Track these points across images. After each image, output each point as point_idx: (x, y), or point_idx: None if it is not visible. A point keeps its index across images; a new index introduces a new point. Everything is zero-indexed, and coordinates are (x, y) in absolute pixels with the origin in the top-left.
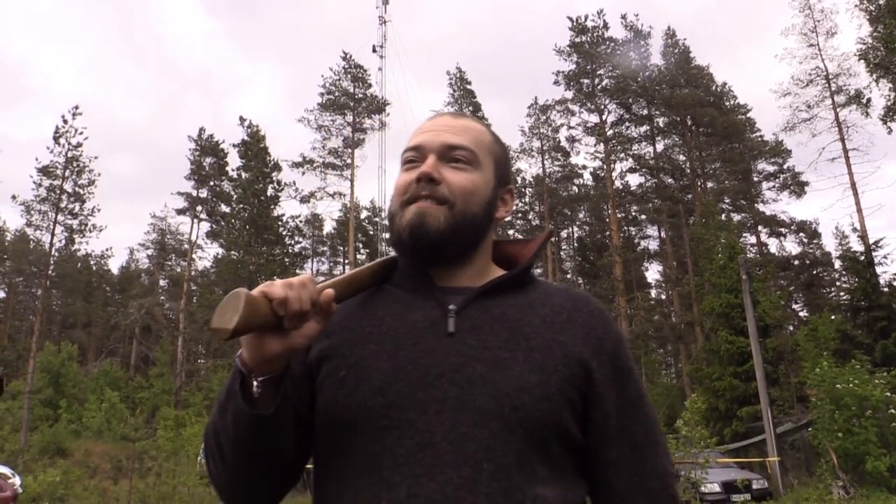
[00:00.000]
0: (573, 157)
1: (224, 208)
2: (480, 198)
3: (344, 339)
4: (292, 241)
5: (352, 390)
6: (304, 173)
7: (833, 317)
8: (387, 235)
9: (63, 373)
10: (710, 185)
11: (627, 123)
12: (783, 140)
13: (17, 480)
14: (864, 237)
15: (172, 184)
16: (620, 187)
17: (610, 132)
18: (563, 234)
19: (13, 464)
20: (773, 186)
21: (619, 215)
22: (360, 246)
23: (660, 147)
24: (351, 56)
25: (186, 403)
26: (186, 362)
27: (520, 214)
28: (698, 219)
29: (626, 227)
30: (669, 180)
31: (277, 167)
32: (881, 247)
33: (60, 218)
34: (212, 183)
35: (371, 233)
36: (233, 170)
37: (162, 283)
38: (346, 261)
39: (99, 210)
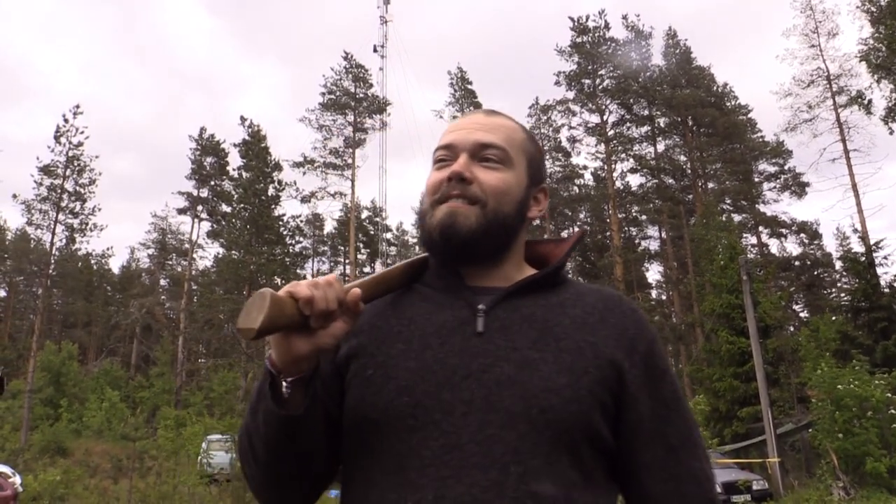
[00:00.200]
0: (574, 158)
1: (225, 208)
2: (512, 197)
3: (372, 337)
4: (293, 241)
5: (378, 389)
6: (304, 173)
7: (834, 318)
8: (386, 235)
9: (63, 372)
10: (710, 185)
11: (628, 124)
12: (784, 141)
13: (17, 479)
14: (864, 238)
15: (173, 183)
16: (621, 188)
17: (611, 132)
18: (564, 234)
19: (14, 463)
20: (774, 187)
21: (619, 216)
22: (361, 246)
23: (661, 147)
24: (352, 56)
25: (187, 403)
26: (187, 362)
27: None
28: (699, 219)
29: (626, 228)
30: (670, 181)
31: (278, 167)
32: (882, 248)
33: (61, 217)
34: (213, 182)
35: (372, 233)
36: (234, 169)
37: (163, 282)
38: (347, 261)
39: (100, 209)
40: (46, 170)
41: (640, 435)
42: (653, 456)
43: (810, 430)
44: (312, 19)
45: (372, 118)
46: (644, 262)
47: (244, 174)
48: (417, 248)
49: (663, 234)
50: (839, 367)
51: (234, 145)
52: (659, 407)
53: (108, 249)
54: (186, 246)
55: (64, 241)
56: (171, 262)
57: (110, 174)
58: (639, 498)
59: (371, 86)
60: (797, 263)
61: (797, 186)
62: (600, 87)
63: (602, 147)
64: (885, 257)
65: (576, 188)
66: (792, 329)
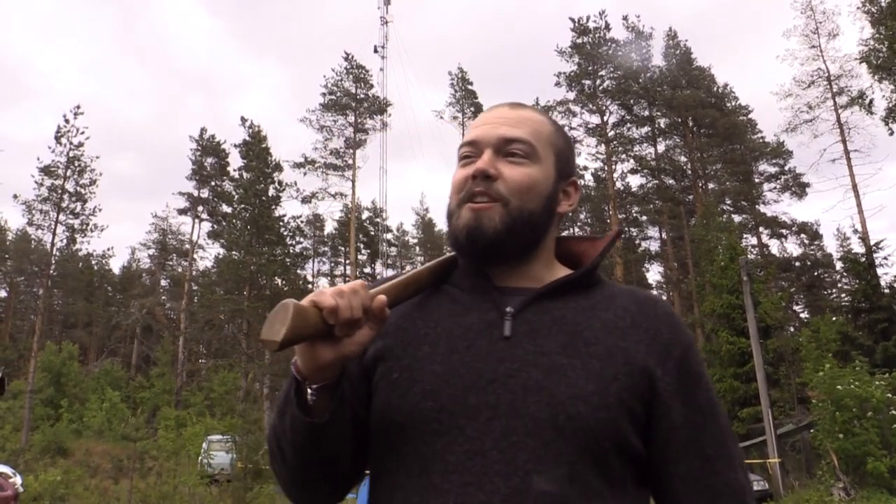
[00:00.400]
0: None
1: (225, 208)
2: (539, 193)
3: (398, 340)
4: (293, 242)
5: (404, 393)
6: (305, 174)
7: (834, 318)
8: (387, 236)
9: (64, 372)
10: (711, 186)
11: (629, 124)
12: (784, 141)
13: (18, 480)
14: (865, 239)
15: (174, 184)
16: (621, 188)
17: (611, 133)
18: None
19: (14, 463)
20: (775, 188)
21: (620, 216)
22: (361, 247)
23: (661, 148)
24: (353, 56)
25: (187, 403)
26: (187, 362)
27: None
28: (699, 220)
29: (627, 228)
30: (670, 181)
31: (279, 167)
32: (882, 248)
33: (62, 217)
34: (213, 183)
35: (372, 233)
36: (234, 170)
37: (163, 282)
38: (347, 261)
39: (100, 210)
40: (47, 170)
41: (674, 444)
42: (687, 466)
43: (811, 431)
44: (313, 20)
45: (372, 119)
46: (644, 262)
47: (245, 175)
48: (418, 248)
49: (664, 235)
50: (840, 368)
51: (235, 146)
52: (693, 415)
53: (108, 250)
54: (187, 246)
55: (64, 241)
56: (171, 263)
57: (111, 175)
58: None
59: (371, 86)
60: (797, 264)
61: (797, 187)
62: (600, 87)
63: (602, 148)
64: (886, 258)
65: None
66: (792, 330)
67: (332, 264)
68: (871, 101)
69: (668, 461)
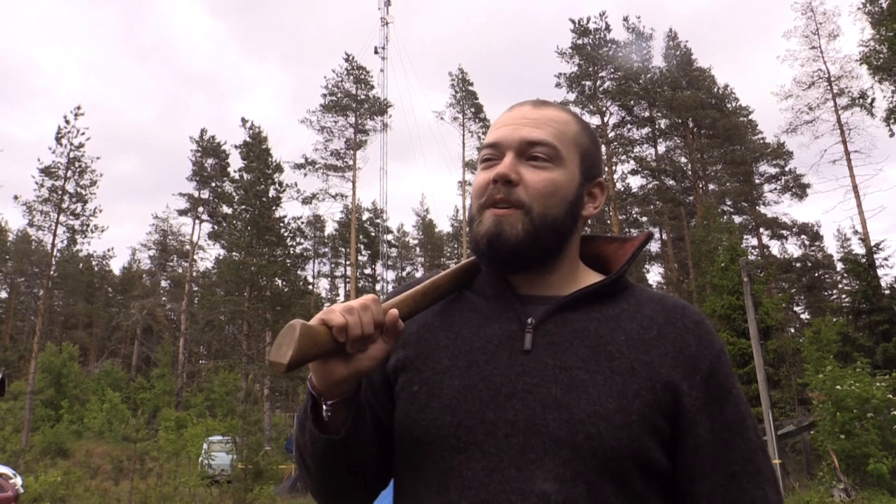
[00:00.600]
0: None
1: (226, 209)
2: (562, 198)
3: (419, 351)
4: (294, 243)
5: (423, 407)
6: (305, 175)
7: (835, 319)
8: (387, 237)
9: (64, 373)
10: (711, 187)
11: (629, 125)
12: (785, 142)
13: (18, 481)
14: (865, 240)
15: (174, 185)
16: (622, 189)
17: (611, 134)
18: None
19: (14, 464)
20: (775, 188)
21: (620, 217)
22: (362, 247)
23: (661, 149)
24: (353, 58)
25: (188, 404)
26: (188, 363)
27: None
28: (700, 221)
29: (627, 229)
30: (671, 182)
31: (279, 168)
32: (882, 249)
33: (62, 218)
34: (213, 184)
35: (373, 234)
36: (234, 171)
37: (163, 283)
38: (348, 262)
39: (101, 211)
40: (47, 171)
41: (700, 461)
42: (713, 483)
43: (811, 432)
44: (314, 21)
45: (373, 120)
46: (645, 263)
47: (245, 176)
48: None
49: (664, 236)
50: (840, 368)
51: (235, 147)
52: (721, 430)
53: (109, 251)
54: (187, 247)
55: (65, 242)
56: (171, 264)
57: (112, 175)
58: None
59: (372, 87)
60: (798, 265)
61: (798, 188)
62: (601, 88)
63: (603, 149)
64: (886, 259)
65: None
66: (793, 331)
67: (333, 265)
68: (872, 101)
69: (694, 479)
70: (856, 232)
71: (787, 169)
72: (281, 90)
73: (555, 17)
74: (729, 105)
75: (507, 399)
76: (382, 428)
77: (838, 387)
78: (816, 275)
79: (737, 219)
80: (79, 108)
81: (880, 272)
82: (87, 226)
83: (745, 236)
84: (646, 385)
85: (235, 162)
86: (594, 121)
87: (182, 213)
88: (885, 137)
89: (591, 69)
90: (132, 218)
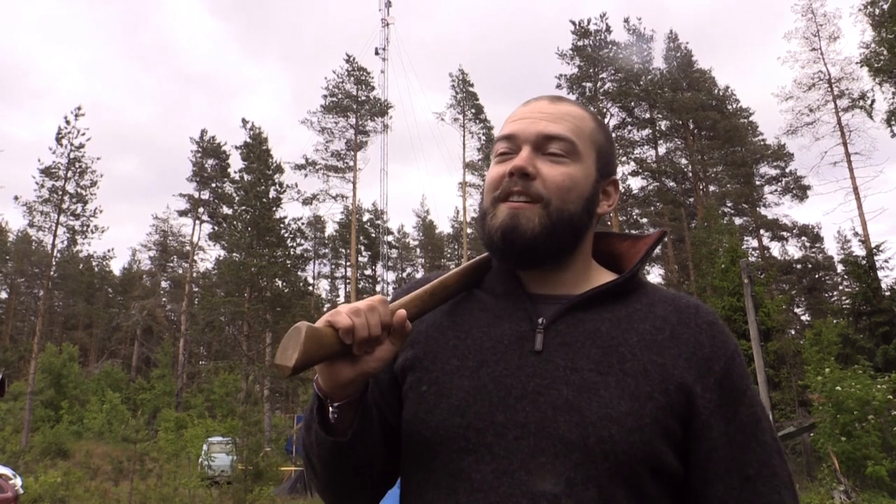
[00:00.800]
0: None
1: (226, 210)
2: (579, 194)
3: (428, 350)
4: (294, 244)
5: (431, 408)
6: (306, 175)
7: (835, 321)
8: (387, 238)
9: (64, 374)
10: (712, 188)
11: (629, 127)
12: (785, 144)
13: (18, 481)
14: (865, 241)
15: (175, 185)
16: (622, 191)
17: (612, 135)
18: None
19: (14, 465)
20: (776, 190)
21: (620, 219)
22: (362, 248)
23: (662, 150)
24: (354, 58)
25: (188, 405)
26: (188, 364)
27: None
28: (700, 222)
29: (627, 231)
30: (671, 184)
31: (280, 169)
32: (883, 251)
33: (62, 219)
34: (214, 185)
35: (373, 235)
36: (235, 172)
37: (164, 284)
38: (348, 263)
39: (101, 211)
40: (48, 171)
41: (714, 464)
42: (726, 487)
43: (811, 434)
44: (315, 22)
45: (373, 121)
46: (645, 264)
47: (245, 176)
48: (418, 250)
49: (664, 237)
50: (841, 370)
51: (236, 147)
52: (735, 433)
53: (109, 251)
54: (187, 248)
55: (65, 242)
56: (172, 265)
57: (112, 176)
58: None
59: (373, 88)
60: (798, 266)
61: (798, 189)
62: (601, 90)
63: None
64: (886, 260)
65: None
66: (793, 332)
67: (333, 266)
68: (872, 102)
69: (707, 482)
70: (856, 234)
71: (787, 170)
72: (281, 91)
73: (555, 18)
74: (729, 106)
75: (517, 401)
76: (389, 427)
77: (839, 388)
78: (817, 276)
79: (737, 220)
80: (79, 108)
81: (881, 274)
82: (88, 226)
83: (746, 238)
84: (658, 387)
85: (236, 162)
86: None
87: (182, 213)
88: (886, 139)
89: (591, 70)
90: (132, 218)
